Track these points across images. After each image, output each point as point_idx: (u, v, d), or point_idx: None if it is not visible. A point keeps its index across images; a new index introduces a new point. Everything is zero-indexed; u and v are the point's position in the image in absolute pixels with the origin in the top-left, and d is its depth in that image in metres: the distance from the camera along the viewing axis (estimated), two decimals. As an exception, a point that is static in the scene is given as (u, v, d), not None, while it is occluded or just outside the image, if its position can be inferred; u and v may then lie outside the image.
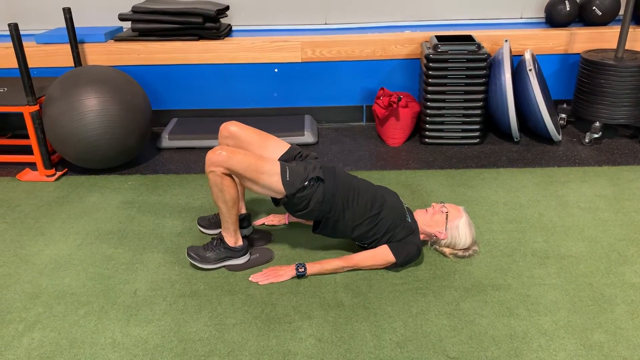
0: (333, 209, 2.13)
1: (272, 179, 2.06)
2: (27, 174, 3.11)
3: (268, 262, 2.27)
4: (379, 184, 2.39)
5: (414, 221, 2.26)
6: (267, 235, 2.47)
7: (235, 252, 2.21)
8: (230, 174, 2.05)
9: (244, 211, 2.46)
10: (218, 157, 2.01)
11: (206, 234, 2.50)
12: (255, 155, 2.11)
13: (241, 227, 2.35)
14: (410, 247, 2.17)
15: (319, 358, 1.78)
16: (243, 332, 1.90)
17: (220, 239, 2.20)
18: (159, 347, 1.84)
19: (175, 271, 2.23)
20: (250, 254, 2.28)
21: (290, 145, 2.29)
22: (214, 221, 2.48)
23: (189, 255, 2.21)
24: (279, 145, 2.27)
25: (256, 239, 2.43)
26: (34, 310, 2.02)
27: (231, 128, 2.25)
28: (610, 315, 1.95)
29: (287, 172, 2.08)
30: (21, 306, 2.05)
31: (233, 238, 2.19)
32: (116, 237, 2.48)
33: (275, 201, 2.17)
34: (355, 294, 2.07)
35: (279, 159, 2.21)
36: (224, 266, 2.23)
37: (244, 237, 2.27)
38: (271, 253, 2.32)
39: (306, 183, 2.08)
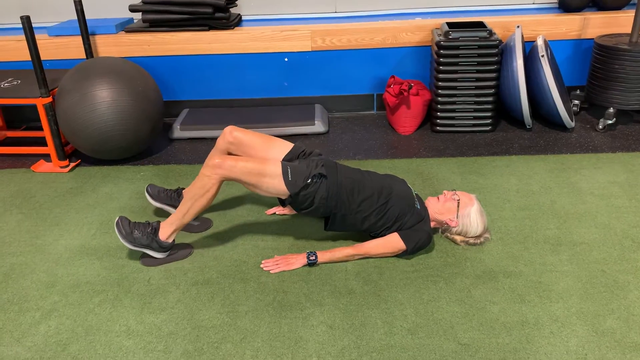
0: (338, 204, 2.14)
1: (274, 181, 2.07)
2: (42, 166, 3.15)
3: (186, 258, 2.26)
4: (386, 173, 2.39)
5: (424, 208, 2.26)
6: (207, 221, 2.50)
7: (160, 247, 2.19)
8: (222, 182, 2.08)
9: None
10: (222, 166, 2.03)
11: (150, 203, 2.50)
12: (256, 159, 2.12)
13: None
14: (421, 234, 2.17)
15: (330, 345, 1.79)
16: (255, 319, 1.92)
17: (155, 228, 2.18)
18: (172, 334, 1.86)
19: (188, 260, 2.25)
20: (170, 252, 2.26)
21: (293, 145, 2.31)
22: (163, 196, 2.48)
23: (117, 224, 2.17)
24: (282, 146, 2.29)
25: (195, 226, 2.46)
26: (50, 299, 2.06)
27: (235, 134, 2.28)
28: (623, 301, 1.94)
29: (289, 172, 2.09)
30: (38, 295, 2.09)
31: (168, 234, 2.18)
32: (129, 226, 2.51)
33: (282, 201, 2.19)
34: (366, 281, 2.08)
35: (283, 159, 2.23)
36: (141, 252, 2.22)
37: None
38: (190, 250, 2.29)
39: (309, 181, 2.09)
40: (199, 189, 2.09)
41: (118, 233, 2.17)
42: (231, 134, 2.28)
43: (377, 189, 2.19)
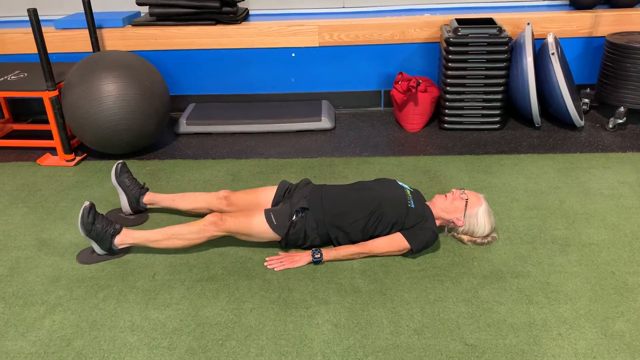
0: (331, 229, 2.18)
1: (262, 230, 2.16)
2: (47, 159, 3.14)
3: (123, 255, 2.24)
4: (376, 177, 2.40)
5: (423, 206, 2.23)
6: (143, 216, 2.53)
7: (108, 248, 2.19)
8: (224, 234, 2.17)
9: (147, 205, 2.53)
10: (217, 224, 2.13)
11: (111, 176, 2.48)
12: (243, 214, 2.20)
13: (134, 208, 2.50)
14: (425, 233, 2.15)
15: (336, 343, 1.78)
16: (260, 316, 1.91)
17: (116, 231, 2.18)
18: (177, 331, 1.85)
19: (193, 256, 2.24)
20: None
21: (278, 185, 2.37)
22: (127, 181, 2.47)
23: (84, 208, 2.15)
24: (269, 192, 2.36)
25: (132, 219, 2.48)
26: (55, 293, 2.05)
27: (230, 199, 2.37)
28: (632, 304, 1.91)
29: (272, 217, 2.16)
30: (42, 289, 2.08)
31: (123, 241, 2.19)
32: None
33: (280, 244, 2.24)
34: (372, 280, 2.07)
35: (272, 203, 2.31)
36: (89, 241, 2.20)
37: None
38: (126, 250, 2.27)
39: (294, 218, 2.15)
40: (187, 233, 2.15)
41: (80, 217, 2.15)
42: (226, 199, 2.37)
43: (365, 202, 2.19)
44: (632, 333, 1.79)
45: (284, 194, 2.33)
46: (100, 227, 2.16)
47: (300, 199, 2.21)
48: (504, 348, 1.74)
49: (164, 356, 1.75)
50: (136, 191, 2.48)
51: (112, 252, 2.22)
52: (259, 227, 2.15)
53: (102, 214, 2.20)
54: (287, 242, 2.20)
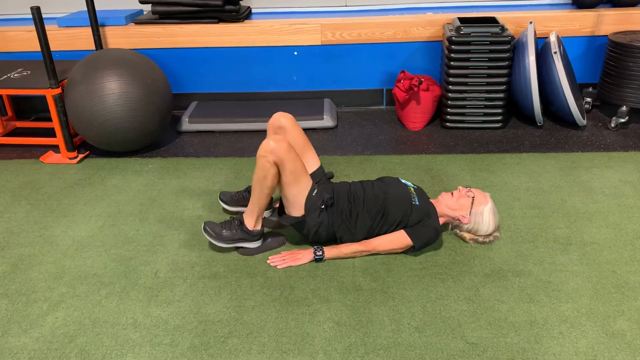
0: (337, 229, 2.18)
1: (302, 190, 2.11)
2: (50, 157, 3.15)
3: (280, 246, 2.27)
4: (379, 176, 2.40)
5: (427, 203, 2.23)
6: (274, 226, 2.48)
7: (251, 236, 2.21)
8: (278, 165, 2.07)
9: None
10: (278, 146, 2.03)
11: (226, 209, 2.53)
12: (303, 163, 2.15)
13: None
14: (428, 230, 2.15)
15: (337, 341, 1.79)
16: (262, 314, 1.91)
17: (240, 220, 2.21)
18: (179, 328, 1.86)
19: (196, 253, 2.25)
20: (264, 239, 2.28)
21: (319, 165, 2.37)
22: (236, 198, 2.51)
23: (205, 230, 2.21)
24: (313, 161, 2.36)
25: (274, 221, 2.44)
26: (57, 290, 2.06)
27: (282, 120, 2.33)
28: (633, 303, 1.91)
29: (315, 190, 2.14)
30: (45, 286, 2.09)
31: (253, 222, 2.20)
32: (137, 219, 2.51)
33: (285, 218, 2.20)
34: (374, 278, 2.07)
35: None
36: (237, 247, 2.24)
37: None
38: (283, 239, 2.31)
39: (323, 206, 2.15)
40: (261, 172, 2.08)
41: (209, 237, 2.20)
42: (278, 120, 2.33)
43: (371, 200, 2.20)
44: (633, 332, 1.79)
45: (319, 181, 2.32)
46: (228, 231, 2.20)
47: (323, 193, 2.20)
48: (505, 346, 1.75)
49: (166, 353, 1.76)
50: (247, 198, 2.42)
51: (257, 236, 2.22)
52: (305, 187, 2.11)
53: (221, 222, 2.23)
54: (299, 222, 2.16)
